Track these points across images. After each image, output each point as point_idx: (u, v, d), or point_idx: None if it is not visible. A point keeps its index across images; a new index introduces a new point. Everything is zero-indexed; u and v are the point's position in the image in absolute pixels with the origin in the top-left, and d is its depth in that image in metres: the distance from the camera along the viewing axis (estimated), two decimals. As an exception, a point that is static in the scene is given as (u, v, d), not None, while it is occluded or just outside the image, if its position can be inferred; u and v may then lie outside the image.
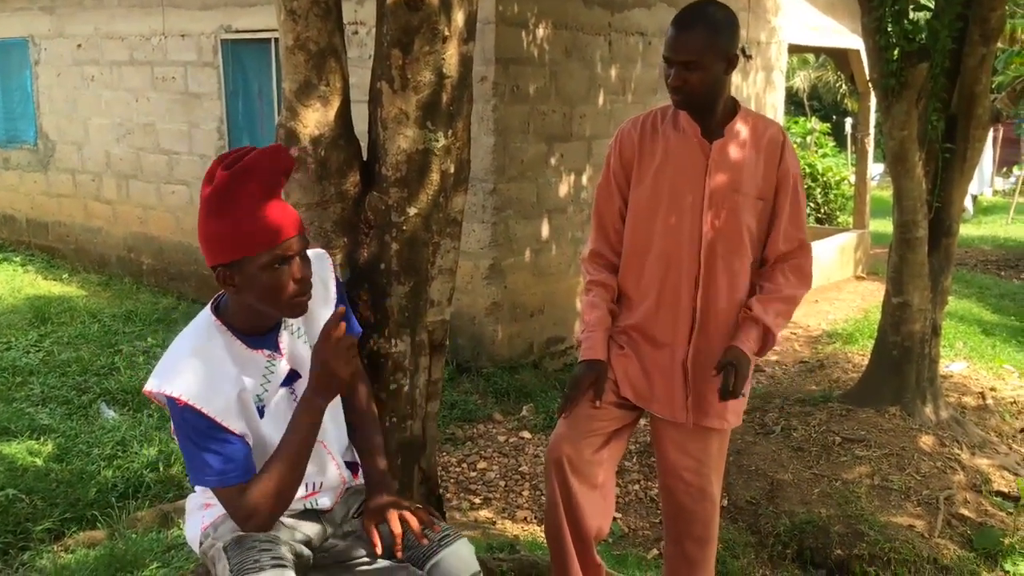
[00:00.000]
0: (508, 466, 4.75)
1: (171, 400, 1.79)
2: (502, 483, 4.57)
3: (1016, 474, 4.74)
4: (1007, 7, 5.78)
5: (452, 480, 4.58)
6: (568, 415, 2.46)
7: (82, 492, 4.02)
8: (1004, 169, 20.19)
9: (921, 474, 4.55)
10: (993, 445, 5.10)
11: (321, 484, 2.01)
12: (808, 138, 14.33)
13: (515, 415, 5.42)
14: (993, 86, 6.05)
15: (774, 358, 6.70)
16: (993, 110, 5.25)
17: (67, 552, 3.51)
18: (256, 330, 1.90)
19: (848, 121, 18.28)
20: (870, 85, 5.33)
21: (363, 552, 2.03)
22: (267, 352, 1.91)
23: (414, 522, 1.93)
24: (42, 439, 4.57)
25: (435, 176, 2.34)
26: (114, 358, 5.91)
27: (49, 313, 6.88)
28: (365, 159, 2.40)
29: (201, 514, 1.99)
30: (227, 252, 1.77)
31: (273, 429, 1.90)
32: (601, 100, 6.53)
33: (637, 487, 4.56)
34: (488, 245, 5.87)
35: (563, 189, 6.35)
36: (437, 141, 2.31)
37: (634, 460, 4.78)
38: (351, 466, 2.10)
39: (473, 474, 4.67)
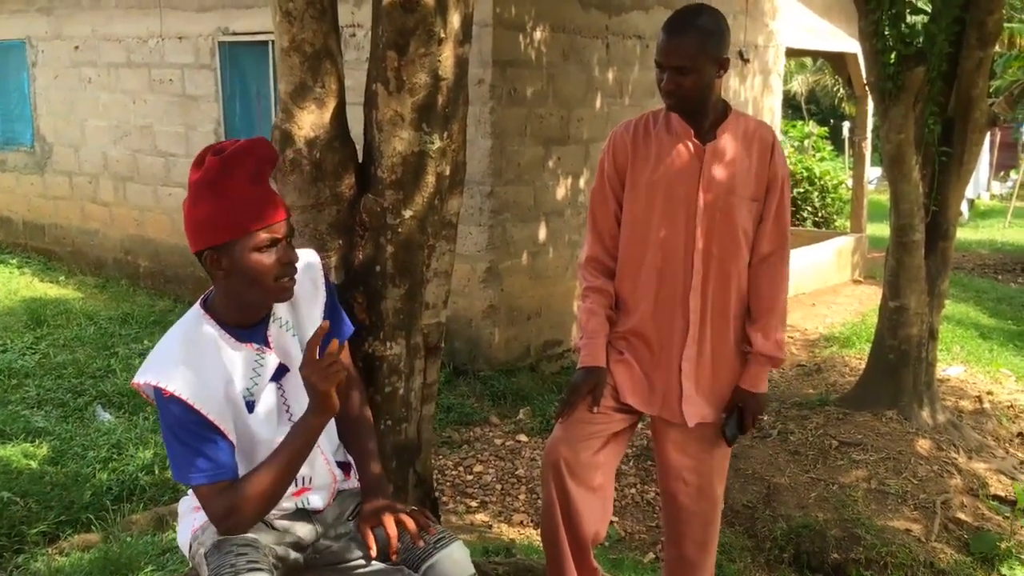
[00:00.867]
0: (504, 469, 4.73)
1: (158, 391, 1.80)
2: (498, 486, 4.56)
3: (1013, 478, 4.74)
4: (1004, 11, 5.78)
5: (448, 483, 4.57)
6: (565, 419, 2.46)
7: (77, 495, 4.01)
8: (1001, 173, 20.25)
9: (918, 478, 4.55)
10: (990, 449, 5.10)
11: (310, 480, 2.01)
12: (806, 142, 14.33)
13: (512, 418, 5.41)
14: (990, 90, 6.05)
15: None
16: (990, 114, 5.26)
17: (62, 555, 3.50)
18: (244, 323, 1.91)
19: (845, 125, 18.31)
20: (867, 89, 5.34)
21: (358, 554, 2.03)
22: (256, 346, 1.91)
23: (410, 524, 1.92)
24: (37, 442, 4.57)
25: (430, 178, 2.33)
26: (110, 361, 5.90)
27: (45, 315, 6.86)
28: (361, 161, 2.39)
29: (192, 517, 1.99)
30: (217, 234, 1.81)
31: (262, 424, 1.91)
32: (598, 103, 6.52)
33: (633, 491, 4.55)
34: (485, 248, 5.87)
35: (560, 192, 6.34)
36: (432, 143, 2.30)
37: (630, 464, 4.78)
38: (343, 466, 2.09)
39: (469, 477, 4.66)
